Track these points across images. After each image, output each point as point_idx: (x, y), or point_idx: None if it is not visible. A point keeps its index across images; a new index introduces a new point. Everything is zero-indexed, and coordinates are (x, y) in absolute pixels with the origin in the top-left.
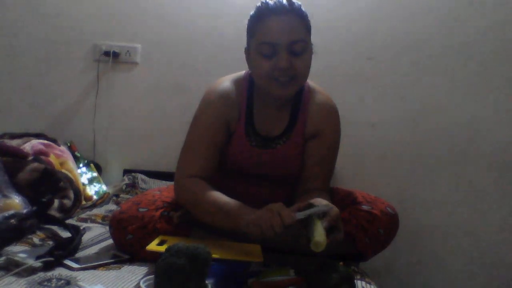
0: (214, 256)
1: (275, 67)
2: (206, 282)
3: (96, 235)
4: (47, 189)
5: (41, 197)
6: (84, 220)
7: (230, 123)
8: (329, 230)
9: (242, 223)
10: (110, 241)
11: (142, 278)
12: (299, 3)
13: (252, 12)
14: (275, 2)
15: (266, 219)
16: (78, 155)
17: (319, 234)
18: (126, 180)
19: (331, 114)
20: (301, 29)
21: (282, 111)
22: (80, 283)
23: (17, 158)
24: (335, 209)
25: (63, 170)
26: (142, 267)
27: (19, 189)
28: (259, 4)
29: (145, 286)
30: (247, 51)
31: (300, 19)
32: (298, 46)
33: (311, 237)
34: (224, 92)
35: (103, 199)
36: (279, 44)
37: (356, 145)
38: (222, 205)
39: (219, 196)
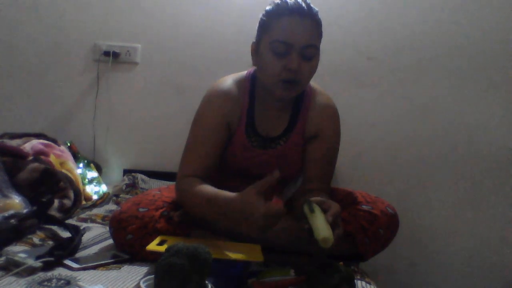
0: (214, 256)
1: (284, 67)
2: (206, 282)
3: (96, 235)
4: (47, 189)
5: (41, 197)
6: (84, 220)
7: (230, 123)
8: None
9: (234, 216)
10: (110, 241)
11: (142, 278)
12: (317, 9)
13: (268, 7)
14: (294, 3)
15: (258, 216)
16: (78, 155)
17: (326, 229)
18: (126, 180)
19: (331, 115)
20: (316, 35)
21: (283, 111)
22: (80, 283)
23: (17, 158)
24: (336, 205)
25: (63, 170)
26: (142, 267)
27: (19, 189)
28: (278, 1)
29: (145, 286)
30: (256, 45)
31: (316, 24)
32: (310, 51)
33: (316, 234)
34: (225, 92)
35: (103, 199)
36: (294, 45)
37: (356, 146)
38: (209, 199)
39: (209, 189)
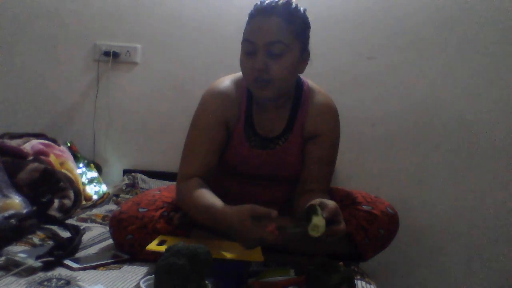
0: (214, 256)
1: (253, 67)
2: (206, 282)
3: (96, 235)
4: (47, 189)
5: (41, 197)
6: (84, 220)
7: (229, 123)
8: (329, 223)
9: (229, 229)
10: (110, 241)
11: (142, 278)
12: (293, 6)
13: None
14: (264, 3)
15: (250, 238)
16: (78, 155)
17: (317, 219)
18: (126, 180)
19: (330, 114)
20: (283, 32)
21: (281, 111)
22: (80, 283)
23: (17, 158)
24: (332, 202)
25: (63, 170)
26: (142, 267)
27: (19, 189)
28: (254, 4)
29: (145, 286)
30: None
31: (285, 21)
32: (275, 48)
33: (308, 224)
34: (223, 92)
35: (103, 199)
36: (257, 43)
37: (356, 145)
38: (207, 207)
39: (208, 196)
